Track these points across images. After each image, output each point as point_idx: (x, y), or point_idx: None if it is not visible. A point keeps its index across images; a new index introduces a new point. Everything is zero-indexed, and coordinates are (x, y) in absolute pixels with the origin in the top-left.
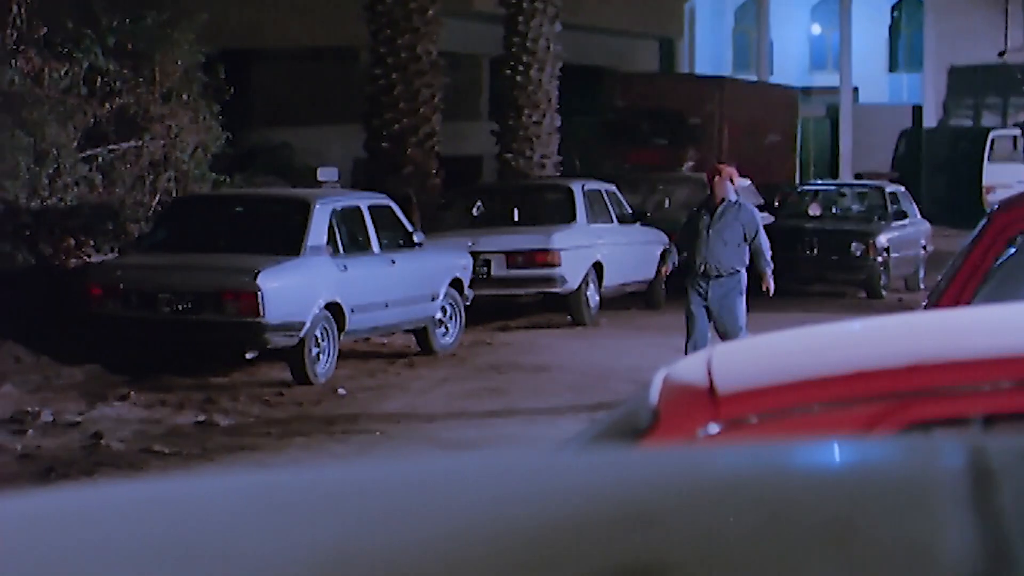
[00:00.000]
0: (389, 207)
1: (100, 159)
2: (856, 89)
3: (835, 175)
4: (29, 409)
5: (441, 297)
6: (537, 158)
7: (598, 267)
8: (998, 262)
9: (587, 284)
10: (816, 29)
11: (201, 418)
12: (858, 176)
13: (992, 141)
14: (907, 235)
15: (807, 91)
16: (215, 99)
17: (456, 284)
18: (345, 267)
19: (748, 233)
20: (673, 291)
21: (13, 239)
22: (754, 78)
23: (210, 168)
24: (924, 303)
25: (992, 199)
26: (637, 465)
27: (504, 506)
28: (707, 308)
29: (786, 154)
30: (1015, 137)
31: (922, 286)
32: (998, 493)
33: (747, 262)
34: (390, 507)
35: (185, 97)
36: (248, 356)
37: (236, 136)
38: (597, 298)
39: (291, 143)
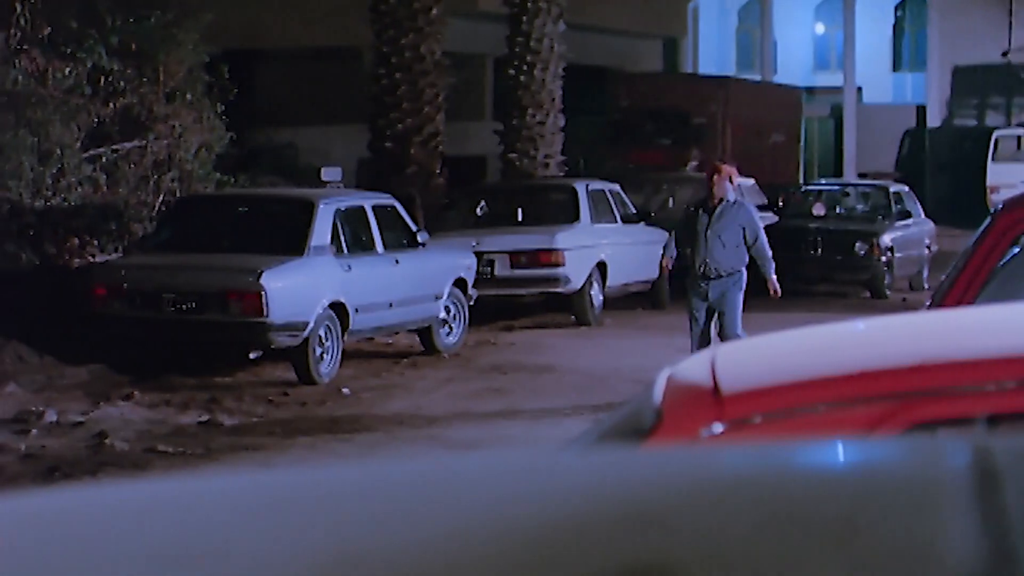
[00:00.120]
0: (393, 207)
1: (104, 159)
2: (860, 89)
3: (839, 175)
4: (33, 409)
5: (445, 297)
6: (541, 158)
7: (602, 267)
8: (1002, 262)
9: (591, 284)
10: (820, 29)
11: (205, 418)
12: (862, 176)
13: (996, 141)
14: (911, 235)
15: (811, 91)
16: (219, 99)
17: (460, 284)
18: (349, 267)
19: (748, 235)
20: (677, 291)
21: (17, 239)
22: (758, 78)
23: (214, 168)
24: (928, 303)
25: (996, 199)
26: (641, 465)
27: (507, 506)
28: (708, 307)
29: (790, 154)
30: (1019, 137)
31: (926, 286)
32: (1002, 493)
33: (747, 261)
34: (394, 507)
35: (189, 97)
36: (252, 356)
37: (240, 136)
38: (601, 298)
39: (295, 143)
